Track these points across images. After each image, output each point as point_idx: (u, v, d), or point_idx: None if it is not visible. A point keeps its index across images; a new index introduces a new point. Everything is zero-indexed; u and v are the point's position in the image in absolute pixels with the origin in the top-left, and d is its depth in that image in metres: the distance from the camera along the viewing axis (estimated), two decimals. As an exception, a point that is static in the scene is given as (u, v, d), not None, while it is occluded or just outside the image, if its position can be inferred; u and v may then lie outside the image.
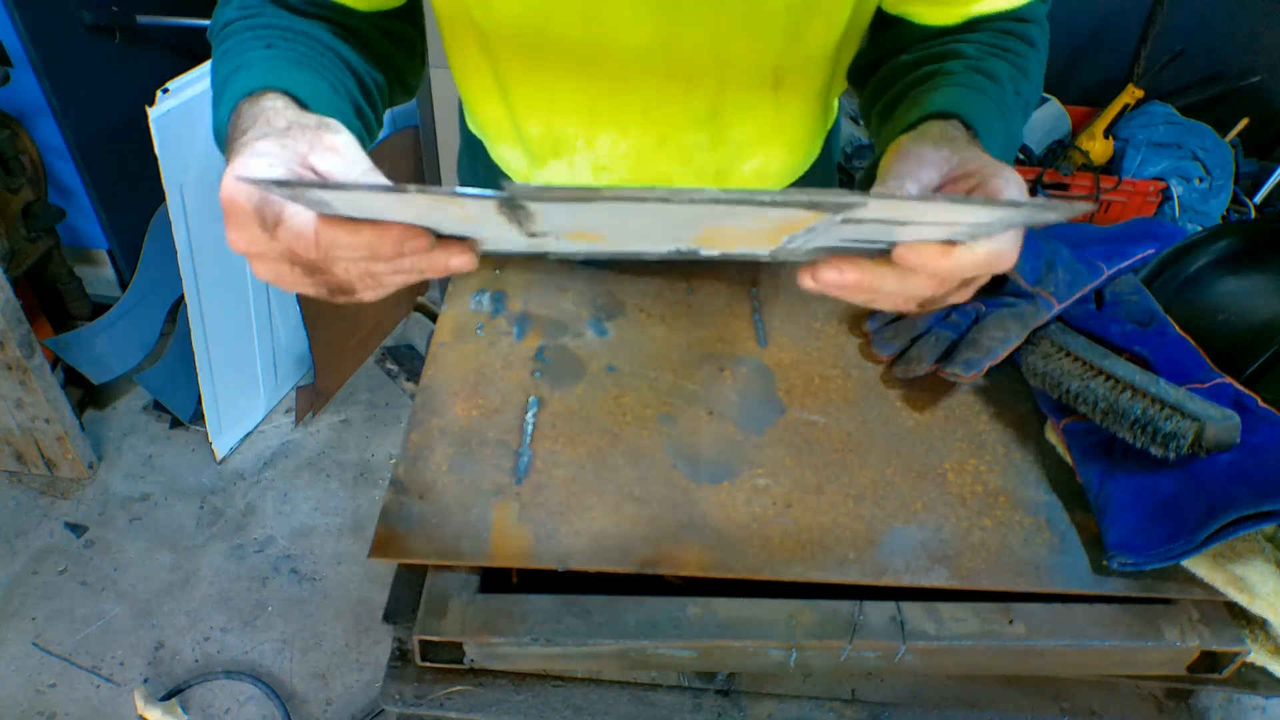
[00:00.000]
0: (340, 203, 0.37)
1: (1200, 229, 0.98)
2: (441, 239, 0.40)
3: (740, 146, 0.75)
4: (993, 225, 0.39)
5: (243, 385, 1.91)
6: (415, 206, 0.35)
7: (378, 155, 1.93)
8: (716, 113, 0.71)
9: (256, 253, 0.43)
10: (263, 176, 0.36)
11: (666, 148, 0.74)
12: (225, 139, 0.51)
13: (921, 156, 0.50)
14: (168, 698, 1.46)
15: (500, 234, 0.39)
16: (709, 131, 0.73)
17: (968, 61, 0.61)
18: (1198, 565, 0.58)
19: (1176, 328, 0.72)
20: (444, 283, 0.98)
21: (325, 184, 0.33)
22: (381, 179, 0.40)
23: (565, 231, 0.39)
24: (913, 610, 0.57)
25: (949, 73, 0.61)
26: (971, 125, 0.55)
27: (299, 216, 0.41)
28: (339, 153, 0.47)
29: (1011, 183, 0.47)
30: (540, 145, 0.75)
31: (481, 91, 0.75)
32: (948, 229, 0.39)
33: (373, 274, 0.43)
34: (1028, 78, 0.64)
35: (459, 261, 0.41)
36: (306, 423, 2.01)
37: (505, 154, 0.80)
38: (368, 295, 0.45)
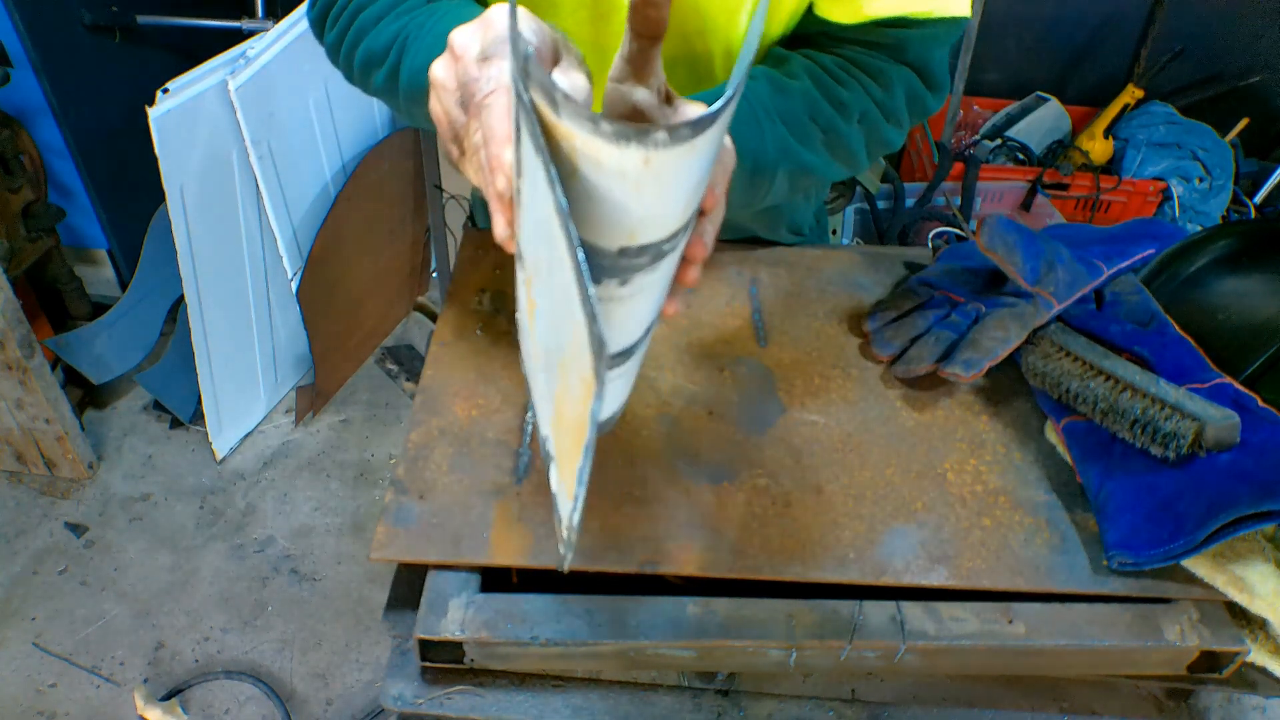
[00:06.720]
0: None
1: (1200, 229, 0.97)
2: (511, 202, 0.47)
3: None
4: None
5: (243, 385, 1.91)
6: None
7: (378, 154, 1.93)
8: (713, 76, 0.73)
9: (459, 53, 0.48)
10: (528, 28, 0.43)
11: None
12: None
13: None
14: (168, 698, 1.46)
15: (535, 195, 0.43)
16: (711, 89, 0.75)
17: (780, 80, 0.65)
18: (1198, 565, 0.58)
19: (1176, 328, 0.72)
20: (444, 283, 0.98)
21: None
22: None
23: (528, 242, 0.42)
24: (913, 610, 0.57)
25: (751, 77, 0.64)
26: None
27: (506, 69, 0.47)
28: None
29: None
30: None
31: None
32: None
33: (479, 155, 0.48)
34: (843, 113, 0.67)
35: (499, 226, 0.47)
36: (306, 423, 2.01)
37: None
38: (466, 163, 0.50)
